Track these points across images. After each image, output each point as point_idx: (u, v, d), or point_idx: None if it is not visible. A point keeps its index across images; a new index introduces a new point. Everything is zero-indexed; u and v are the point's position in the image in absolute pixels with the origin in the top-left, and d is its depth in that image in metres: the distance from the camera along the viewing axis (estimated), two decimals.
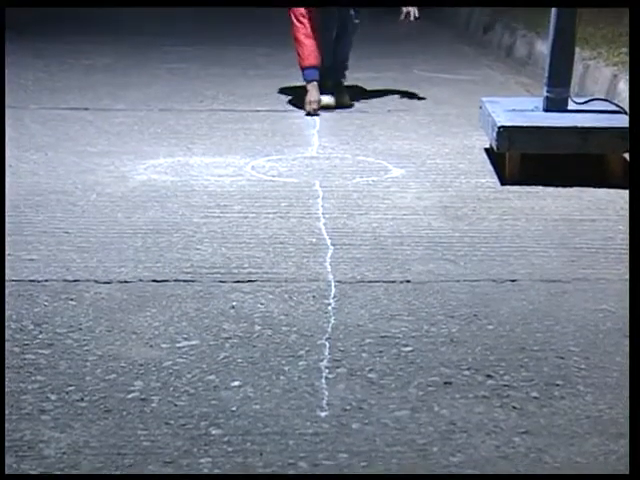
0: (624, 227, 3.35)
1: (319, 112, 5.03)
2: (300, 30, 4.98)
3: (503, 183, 3.90)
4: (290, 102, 5.42)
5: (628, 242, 3.06)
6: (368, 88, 5.85)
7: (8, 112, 4.80)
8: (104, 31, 7.71)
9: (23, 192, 3.68)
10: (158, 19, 8.57)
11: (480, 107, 4.36)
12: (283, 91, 5.72)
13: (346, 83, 5.40)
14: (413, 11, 5.17)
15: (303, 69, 5.06)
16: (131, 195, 3.69)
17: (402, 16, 5.22)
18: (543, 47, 5.69)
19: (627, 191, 3.54)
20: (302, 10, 4.97)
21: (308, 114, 5.01)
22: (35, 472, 1.94)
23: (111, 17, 8.46)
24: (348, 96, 5.29)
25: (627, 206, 3.48)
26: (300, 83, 5.26)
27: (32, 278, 2.89)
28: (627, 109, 4.16)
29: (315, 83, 5.02)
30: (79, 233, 3.28)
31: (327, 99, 5.13)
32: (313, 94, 5.01)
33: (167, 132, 4.69)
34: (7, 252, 3.05)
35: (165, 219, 3.43)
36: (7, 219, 3.32)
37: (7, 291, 2.77)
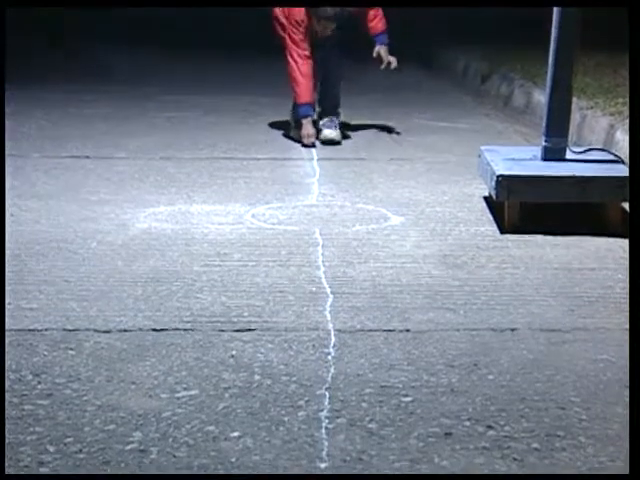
0: (623, 276, 3.36)
1: (315, 144, 5.42)
2: (296, 69, 5.35)
3: (502, 231, 3.91)
4: (291, 147, 5.46)
5: (627, 291, 3.07)
6: (367, 136, 5.90)
7: (10, 161, 4.82)
8: (104, 81, 7.77)
9: (24, 241, 3.69)
10: (157, 69, 8.65)
11: (479, 156, 4.38)
12: (283, 138, 5.76)
13: (346, 132, 5.63)
14: (394, 61, 5.53)
15: (299, 106, 5.43)
16: (131, 243, 3.70)
17: (383, 66, 5.55)
18: (541, 97, 5.75)
19: (626, 240, 3.56)
20: (299, 51, 5.36)
21: (304, 146, 5.39)
22: None
23: (110, 67, 8.54)
24: (339, 130, 5.63)
25: (626, 255, 3.49)
26: None
27: (32, 327, 2.89)
28: (625, 159, 4.19)
29: (309, 118, 5.42)
30: (79, 282, 3.28)
31: (332, 133, 5.52)
32: (308, 128, 5.40)
33: (167, 180, 4.72)
34: (7, 301, 3.05)
35: (165, 267, 3.44)
36: (8, 268, 3.33)
37: (7, 340, 2.76)
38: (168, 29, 10.78)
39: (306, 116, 5.41)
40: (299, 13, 5.41)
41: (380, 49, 5.53)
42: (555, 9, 3.97)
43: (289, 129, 5.71)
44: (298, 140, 5.48)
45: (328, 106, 5.64)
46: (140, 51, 9.56)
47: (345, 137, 5.71)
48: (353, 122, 6.31)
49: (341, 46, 5.58)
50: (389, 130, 6.10)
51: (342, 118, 5.73)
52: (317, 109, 5.63)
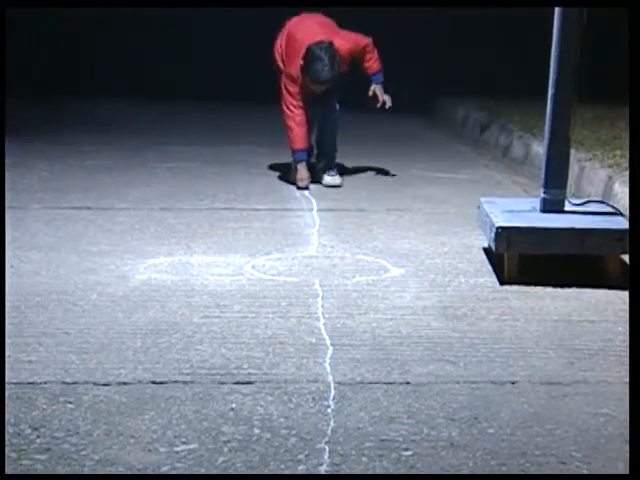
0: (623, 329, 3.36)
1: (309, 187, 5.71)
2: (291, 118, 5.69)
3: (502, 283, 3.91)
4: (290, 198, 5.49)
5: (628, 344, 3.07)
6: (366, 186, 5.93)
7: (10, 212, 4.83)
8: (105, 132, 7.82)
9: (24, 292, 3.69)
10: (158, 119, 8.72)
11: (478, 207, 4.40)
12: (282, 189, 5.79)
13: (346, 182, 5.81)
14: (388, 100, 5.80)
15: (293, 151, 5.78)
16: (131, 295, 3.70)
17: (378, 104, 5.81)
18: (539, 148, 5.78)
19: (626, 292, 3.56)
20: (294, 102, 5.66)
21: (299, 188, 5.69)
22: None
23: (111, 119, 8.60)
24: (339, 175, 5.95)
25: (626, 307, 3.49)
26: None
27: (31, 380, 2.88)
28: (623, 211, 4.21)
29: (304, 163, 5.75)
30: (79, 334, 3.28)
31: (335, 180, 5.85)
32: (302, 172, 5.73)
33: (168, 231, 4.73)
34: (7, 354, 3.04)
35: (165, 319, 3.44)
36: (7, 320, 3.33)
37: (6, 394, 2.75)
38: (168, 80, 10.89)
39: (300, 161, 5.74)
40: (295, 70, 5.63)
41: (376, 88, 5.78)
42: (553, 60, 4.01)
43: (289, 173, 5.94)
44: (294, 183, 5.76)
45: (325, 154, 5.94)
46: (140, 102, 9.65)
47: (344, 186, 5.84)
48: (352, 172, 6.36)
49: (337, 96, 5.84)
50: (388, 180, 6.14)
51: (337, 161, 6.04)
52: (315, 154, 5.96)
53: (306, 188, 5.68)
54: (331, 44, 5.57)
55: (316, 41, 5.57)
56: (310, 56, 5.54)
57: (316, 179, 5.89)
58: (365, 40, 5.76)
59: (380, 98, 5.78)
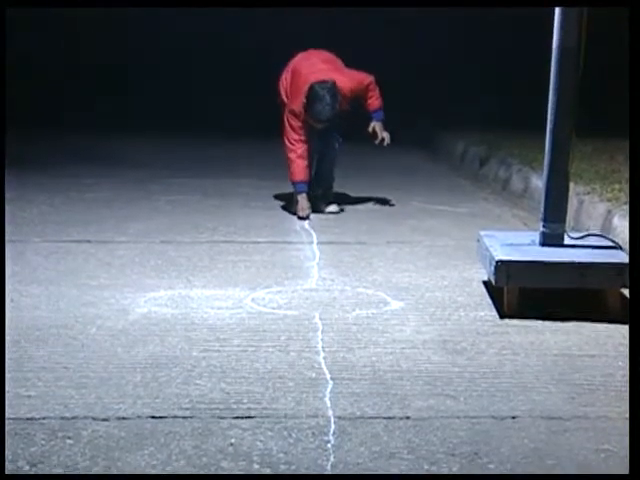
0: (624, 363, 3.35)
1: (310, 217, 5.87)
2: (292, 151, 5.85)
3: (502, 316, 3.91)
4: (290, 231, 5.49)
5: (628, 379, 3.06)
6: (367, 219, 5.95)
7: (10, 246, 4.84)
8: (105, 165, 7.86)
9: (24, 327, 3.69)
10: (158, 152, 8.76)
11: (478, 240, 4.41)
12: (283, 222, 5.80)
13: (346, 214, 5.98)
14: (387, 137, 5.97)
15: (294, 183, 5.94)
16: (131, 329, 3.70)
17: (377, 141, 5.99)
18: (538, 181, 5.80)
19: (626, 326, 3.55)
20: (295, 136, 5.83)
21: (299, 218, 5.84)
22: None
23: (111, 152, 8.64)
24: (338, 205, 6.17)
25: (626, 342, 3.49)
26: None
27: (29, 416, 2.87)
28: (623, 244, 4.21)
29: (304, 194, 5.92)
30: (78, 368, 3.27)
31: (335, 208, 6.10)
32: (303, 203, 5.91)
33: (168, 264, 4.73)
34: (6, 389, 3.03)
35: (164, 353, 3.43)
36: (7, 355, 3.31)
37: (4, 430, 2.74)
38: (168, 112, 10.95)
39: (301, 192, 5.91)
40: (298, 106, 5.78)
41: (376, 125, 5.96)
42: (551, 94, 4.03)
43: (291, 204, 6.09)
44: (295, 213, 5.93)
45: (323, 182, 6.15)
46: (140, 134, 9.69)
47: (344, 219, 5.92)
48: (352, 204, 6.38)
49: (339, 131, 6.01)
50: (388, 213, 6.16)
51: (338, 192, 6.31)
52: (312, 182, 6.09)
53: (307, 218, 5.83)
54: (334, 84, 5.72)
55: (320, 80, 5.72)
56: (313, 95, 5.69)
57: (315, 207, 6.03)
58: (368, 78, 5.91)
59: (379, 135, 5.96)
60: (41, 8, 9.92)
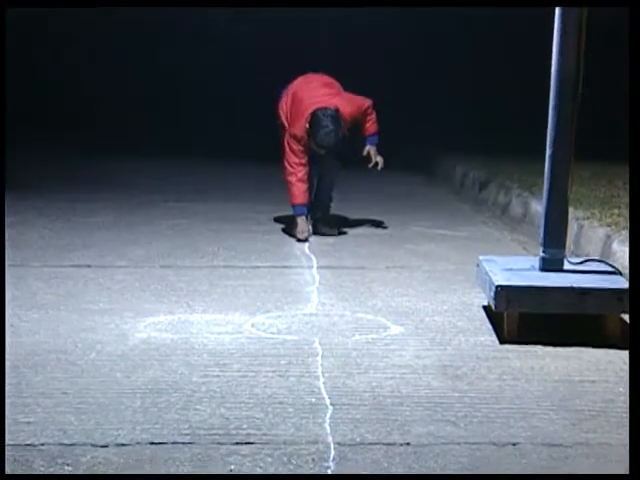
0: (624, 389, 3.34)
1: (309, 239, 5.95)
2: (293, 175, 5.91)
3: (502, 342, 3.91)
4: (290, 255, 5.50)
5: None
6: (366, 243, 5.95)
7: (11, 271, 4.84)
8: (106, 190, 7.88)
9: (23, 352, 3.68)
10: (159, 176, 8.77)
11: (477, 265, 4.41)
12: (282, 246, 5.80)
13: (345, 239, 6.03)
14: (380, 161, 6.06)
15: (294, 206, 6.00)
16: (131, 354, 3.69)
17: (370, 164, 6.09)
18: (538, 206, 5.81)
19: (626, 352, 3.55)
20: (296, 159, 5.89)
21: (299, 240, 5.91)
22: None
23: (112, 176, 8.66)
24: (336, 226, 6.28)
25: (627, 367, 3.48)
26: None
27: (28, 442, 2.86)
28: (622, 269, 4.21)
29: (304, 217, 6.01)
30: (77, 394, 3.26)
31: (330, 229, 6.16)
32: (302, 225, 5.99)
33: (168, 289, 4.73)
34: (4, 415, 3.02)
35: (164, 378, 3.42)
36: (6, 380, 3.30)
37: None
38: (169, 137, 10.98)
39: (300, 215, 5.99)
40: (299, 130, 5.85)
41: (370, 149, 6.06)
42: (550, 119, 4.05)
43: (291, 227, 6.14)
44: (294, 235, 5.99)
45: (323, 207, 6.22)
46: (141, 159, 9.72)
47: (343, 243, 5.93)
48: (352, 229, 6.39)
49: (338, 156, 6.08)
50: (387, 237, 6.17)
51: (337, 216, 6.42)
52: (313, 207, 6.19)
53: (305, 240, 5.89)
54: (336, 110, 5.79)
55: (322, 106, 5.79)
56: (315, 122, 5.76)
57: (314, 230, 6.13)
58: (367, 102, 5.97)
59: (373, 159, 6.05)
60: (41, 8, 9.97)
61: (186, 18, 12.46)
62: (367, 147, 6.03)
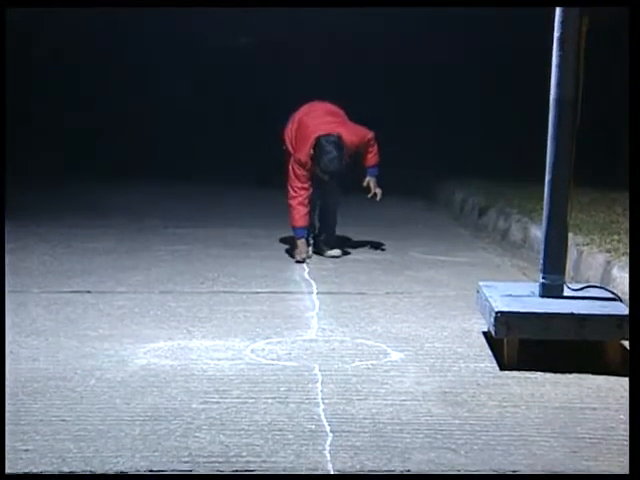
0: (625, 416, 3.33)
1: (307, 261, 6.14)
2: (295, 198, 6.11)
3: (502, 368, 3.90)
4: (290, 281, 5.49)
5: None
6: (366, 269, 5.95)
7: (11, 297, 4.83)
8: (106, 215, 7.89)
9: (22, 379, 3.67)
10: (159, 202, 8.79)
11: (477, 291, 4.41)
12: (282, 272, 5.81)
13: (345, 264, 6.07)
14: (379, 193, 6.24)
15: (294, 228, 6.19)
16: (130, 380, 3.68)
17: (369, 195, 6.27)
18: (537, 231, 5.82)
19: (627, 379, 3.54)
20: (299, 184, 6.08)
21: (297, 261, 6.09)
22: None
23: (112, 201, 8.67)
24: (338, 249, 6.42)
25: (627, 394, 3.47)
26: (298, 266, 5.80)
27: (27, 470, 2.85)
28: (622, 295, 4.21)
29: (304, 239, 6.19)
30: (77, 421, 3.25)
31: (336, 252, 6.33)
32: (302, 247, 6.17)
33: (167, 315, 4.73)
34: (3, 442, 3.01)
35: (164, 405, 3.41)
36: (5, 407, 3.29)
37: None
38: (169, 162, 11.01)
39: (300, 237, 6.18)
40: (304, 156, 6.06)
41: (370, 180, 6.25)
42: (549, 145, 4.06)
43: (291, 251, 6.33)
44: (293, 256, 6.18)
45: (326, 229, 6.42)
46: (141, 185, 9.73)
47: (344, 268, 5.95)
48: (352, 254, 6.40)
49: (339, 183, 6.25)
50: (387, 263, 6.17)
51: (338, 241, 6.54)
52: (317, 227, 6.42)
53: (304, 261, 6.10)
54: (340, 137, 6.00)
55: (326, 133, 6.00)
56: (320, 147, 5.98)
57: (318, 251, 6.32)
58: (370, 134, 6.18)
59: (372, 190, 6.24)
60: (40, 8, 10.03)
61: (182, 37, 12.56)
62: (367, 178, 6.22)
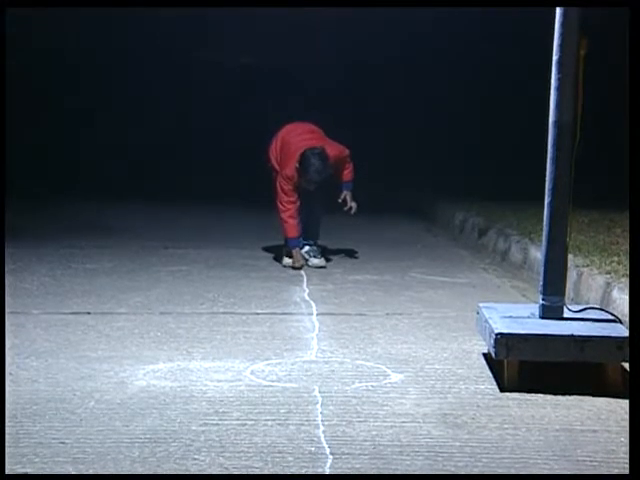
0: (626, 439, 3.32)
1: (303, 267, 6.57)
2: (284, 212, 6.57)
3: (502, 390, 3.89)
4: (290, 302, 5.49)
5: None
6: (366, 290, 5.94)
7: (11, 318, 4.83)
8: (106, 236, 7.89)
9: (21, 401, 3.66)
10: (158, 222, 8.79)
11: (477, 312, 4.41)
12: (282, 293, 5.80)
13: (345, 285, 6.09)
14: (354, 207, 6.70)
15: (288, 239, 6.66)
16: (129, 402, 3.67)
17: (346, 208, 6.71)
18: (537, 252, 5.82)
19: (627, 401, 3.53)
20: (288, 198, 6.54)
21: (294, 269, 6.54)
22: None
23: (112, 222, 8.68)
24: (323, 258, 6.79)
25: (628, 417, 3.46)
26: (298, 287, 5.72)
27: None
28: (622, 317, 4.21)
29: (298, 249, 6.65)
30: (76, 443, 3.24)
31: (320, 262, 6.70)
32: (297, 255, 6.63)
33: (167, 336, 4.72)
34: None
35: (163, 427, 3.40)
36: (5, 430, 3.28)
37: None
38: (168, 183, 11.03)
39: (295, 247, 6.64)
40: (290, 170, 6.54)
41: (346, 194, 6.75)
42: (548, 167, 4.07)
43: (281, 260, 6.76)
44: (290, 266, 6.59)
45: (310, 238, 6.80)
46: (140, 205, 9.75)
47: (343, 289, 5.95)
48: (351, 275, 6.40)
49: (323, 191, 6.66)
50: (387, 284, 6.17)
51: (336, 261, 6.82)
52: (306, 236, 6.76)
53: (301, 268, 6.53)
54: (323, 149, 6.50)
55: (310, 146, 6.50)
56: (306, 159, 6.45)
57: (306, 261, 6.65)
58: (346, 152, 6.70)
59: (349, 203, 6.72)
60: (40, 8, 10.09)
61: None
62: (344, 192, 6.71)
